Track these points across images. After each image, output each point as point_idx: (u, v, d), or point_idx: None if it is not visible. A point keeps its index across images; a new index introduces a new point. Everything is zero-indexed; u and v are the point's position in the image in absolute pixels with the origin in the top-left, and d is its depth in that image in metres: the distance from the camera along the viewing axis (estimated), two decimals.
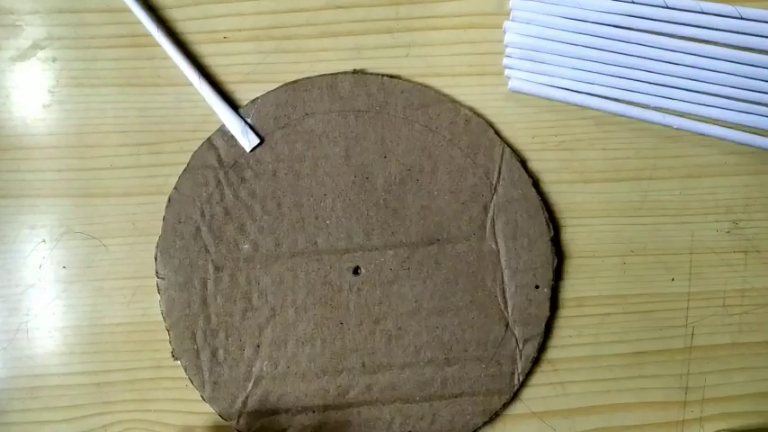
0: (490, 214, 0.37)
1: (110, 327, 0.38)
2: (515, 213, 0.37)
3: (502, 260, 0.37)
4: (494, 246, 0.37)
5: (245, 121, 0.37)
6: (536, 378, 0.38)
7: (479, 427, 0.37)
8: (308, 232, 0.37)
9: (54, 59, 0.37)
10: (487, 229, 0.37)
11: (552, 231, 0.37)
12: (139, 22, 0.37)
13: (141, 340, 0.38)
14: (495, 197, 0.37)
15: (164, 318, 0.37)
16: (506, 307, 0.37)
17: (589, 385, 0.38)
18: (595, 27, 0.37)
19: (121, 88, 0.37)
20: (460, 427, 0.37)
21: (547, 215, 0.37)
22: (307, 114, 0.37)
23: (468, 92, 0.38)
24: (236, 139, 0.37)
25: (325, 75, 0.38)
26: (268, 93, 0.37)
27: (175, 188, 0.37)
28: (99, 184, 0.38)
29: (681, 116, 0.37)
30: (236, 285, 0.37)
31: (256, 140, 0.37)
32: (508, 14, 0.38)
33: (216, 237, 0.37)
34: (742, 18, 0.36)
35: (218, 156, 0.37)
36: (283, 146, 0.37)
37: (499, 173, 0.37)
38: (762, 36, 0.36)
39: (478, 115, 0.38)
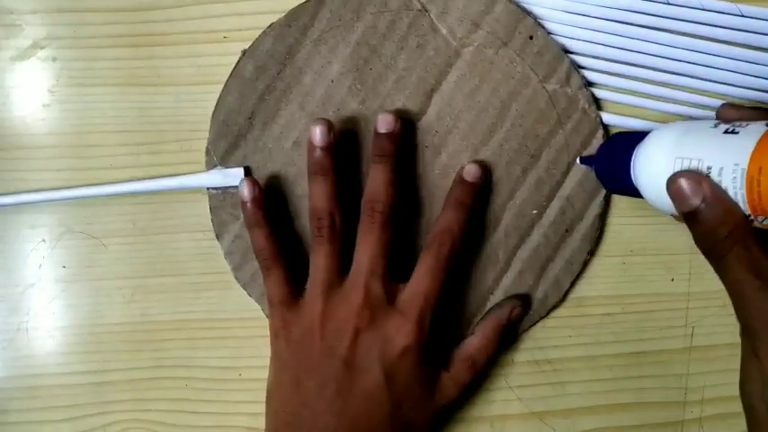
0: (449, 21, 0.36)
1: (109, 327, 0.38)
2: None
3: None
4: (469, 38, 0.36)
5: (216, 167, 0.37)
6: (536, 378, 0.38)
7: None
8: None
9: (54, 59, 0.37)
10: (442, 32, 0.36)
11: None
12: (140, 22, 0.37)
13: (141, 340, 0.38)
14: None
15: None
16: (526, 66, 0.36)
17: (589, 385, 0.38)
18: (596, 22, 0.37)
19: (121, 88, 0.37)
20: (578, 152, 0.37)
21: None
22: (254, 109, 0.37)
23: None
24: (229, 187, 0.37)
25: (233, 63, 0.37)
26: (212, 117, 0.37)
27: None
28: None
29: (680, 117, 0.37)
30: None
31: (240, 172, 0.36)
32: None
33: None
34: (743, 16, 0.36)
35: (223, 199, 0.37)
36: (268, 138, 0.37)
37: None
38: (762, 34, 0.36)
39: None
